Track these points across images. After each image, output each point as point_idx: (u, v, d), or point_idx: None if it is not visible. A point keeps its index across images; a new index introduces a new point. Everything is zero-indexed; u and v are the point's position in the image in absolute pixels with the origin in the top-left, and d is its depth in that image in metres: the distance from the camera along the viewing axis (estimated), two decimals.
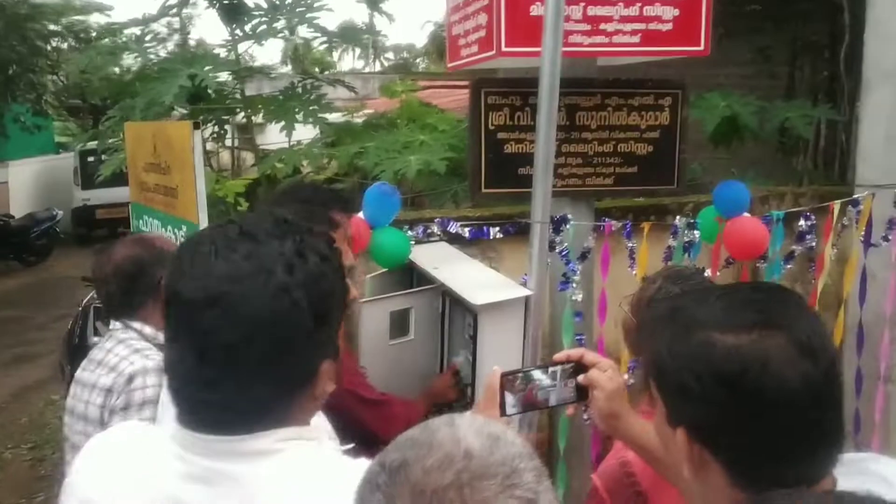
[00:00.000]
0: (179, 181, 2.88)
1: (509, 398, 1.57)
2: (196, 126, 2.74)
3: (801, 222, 2.90)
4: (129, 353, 2.22)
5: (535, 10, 2.41)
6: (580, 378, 1.59)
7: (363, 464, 1.13)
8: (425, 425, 0.88)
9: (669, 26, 2.52)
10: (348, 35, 5.47)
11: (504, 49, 2.42)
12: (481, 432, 0.85)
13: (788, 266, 2.97)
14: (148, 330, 2.27)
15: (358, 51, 53.65)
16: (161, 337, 2.12)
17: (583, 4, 2.45)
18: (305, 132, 6.20)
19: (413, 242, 2.65)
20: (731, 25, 7.55)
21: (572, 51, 2.45)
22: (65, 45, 17.98)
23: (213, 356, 1.07)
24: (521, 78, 2.72)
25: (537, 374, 1.60)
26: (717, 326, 1.05)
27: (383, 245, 2.50)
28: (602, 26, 2.48)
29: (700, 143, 6.30)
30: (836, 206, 2.98)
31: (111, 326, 2.40)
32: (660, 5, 2.50)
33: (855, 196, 3.12)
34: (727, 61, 8.12)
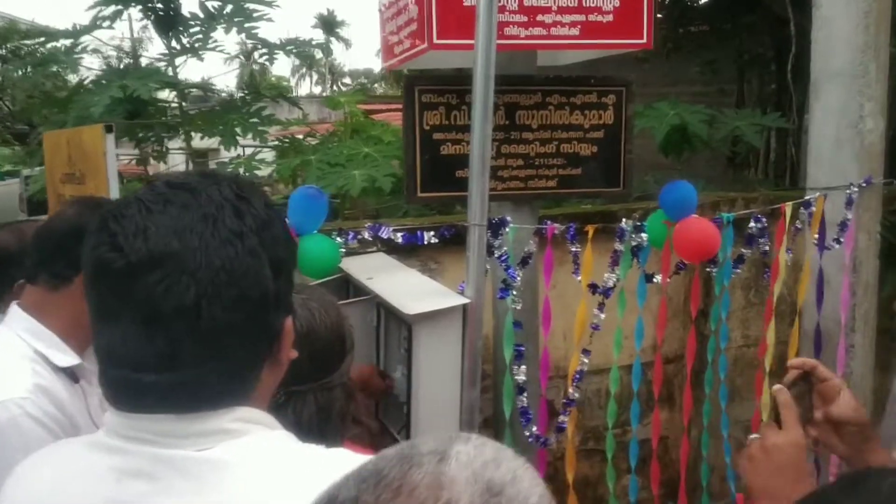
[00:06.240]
0: (93, 190, 2.68)
1: None
2: (109, 129, 2.55)
3: (752, 225, 2.79)
4: None
5: (469, 0, 2.27)
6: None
7: (344, 455, 1.01)
8: (405, 453, 0.66)
9: (610, 17, 2.40)
10: (291, 48, 5.27)
11: (436, 41, 2.27)
12: (479, 478, 0.62)
13: (738, 270, 2.85)
14: None
15: (315, 76, 53.61)
16: None
17: None
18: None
19: (343, 252, 2.47)
20: (679, 43, 7.60)
21: (508, 43, 2.32)
22: (21, 71, 17.51)
23: (164, 327, 0.91)
24: (457, 75, 2.58)
25: (802, 385, 1.47)
26: None
27: (310, 253, 2.31)
28: (539, 17, 2.35)
29: (653, 160, 6.26)
30: (788, 207, 2.88)
31: None
32: None
33: (806, 198, 3.02)
34: (676, 79, 8.16)
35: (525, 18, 2.34)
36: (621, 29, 2.43)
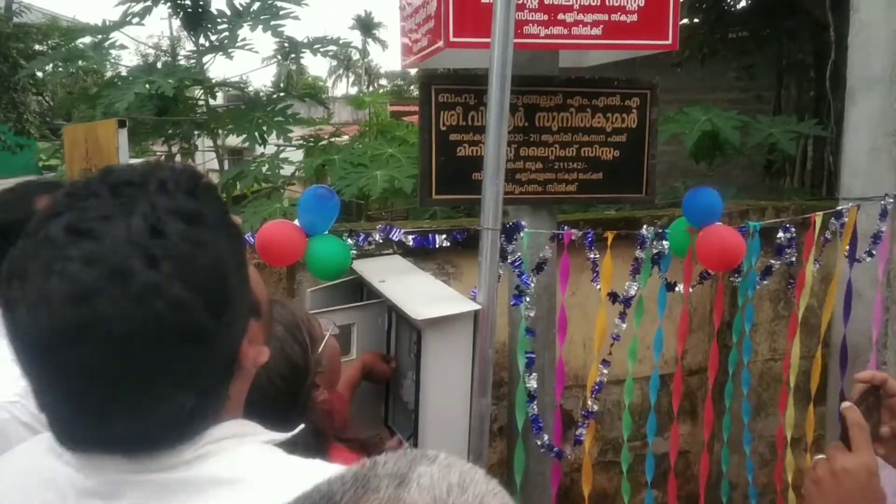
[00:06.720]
0: None
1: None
2: (122, 124, 2.52)
3: (781, 235, 2.68)
4: None
5: None
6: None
7: (319, 467, 0.95)
8: (362, 475, 0.60)
9: (634, 17, 2.31)
10: (318, 46, 5.23)
11: (452, 39, 2.21)
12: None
13: (764, 281, 2.74)
14: None
15: (352, 77, 53.85)
16: None
17: None
18: (295, 157, 5.98)
19: (355, 253, 2.41)
20: (715, 48, 7.47)
21: (527, 42, 2.25)
22: (50, 66, 17.74)
23: (94, 398, 0.83)
24: (476, 74, 2.51)
25: (872, 401, 1.38)
26: None
27: (319, 254, 2.26)
28: (560, 16, 2.27)
29: (686, 166, 6.15)
30: (818, 217, 2.76)
31: None
32: None
33: (839, 208, 2.91)
34: (713, 85, 8.02)
35: (545, 17, 2.26)
36: (646, 29, 2.34)
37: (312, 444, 1.53)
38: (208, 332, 0.85)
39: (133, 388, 0.83)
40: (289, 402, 1.53)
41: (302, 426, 1.05)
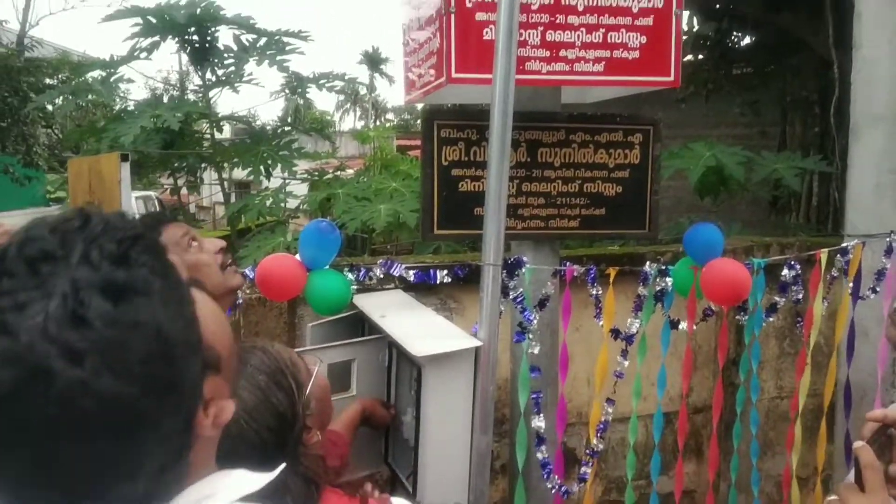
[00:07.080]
0: None
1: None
2: (124, 158, 2.53)
3: (786, 272, 2.66)
4: None
5: (489, 33, 2.21)
6: None
7: None
8: None
9: (636, 54, 2.32)
10: (324, 81, 5.28)
11: (454, 75, 2.21)
12: None
13: (770, 319, 2.71)
14: None
15: (359, 111, 54.25)
16: None
17: (541, 29, 2.25)
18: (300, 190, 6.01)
19: (356, 288, 2.40)
20: (720, 84, 7.51)
21: (529, 78, 2.25)
22: (59, 99, 17.87)
23: (33, 496, 0.77)
24: (478, 110, 2.52)
25: (884, 440, 1.36)
26: None
27: (319, 289, 2.25)
28: (562, 53, 2.27)
29: (691, 201, 6.14)
30: (824, 255, 2.74)
31: None
32: (626, 31, 2.30)
33: (844, 245, 2.89)
34: (717, 121, 8.06)
35: (547, 53, 2.27)
36: (648, 66, 2.34)
37: (303, 492, 1.48)
38: (149, 419, 0.78)
39: (71, 487, 0.77)
40: (277, 453, 1.47)
41: (277, 472, 0.97)
